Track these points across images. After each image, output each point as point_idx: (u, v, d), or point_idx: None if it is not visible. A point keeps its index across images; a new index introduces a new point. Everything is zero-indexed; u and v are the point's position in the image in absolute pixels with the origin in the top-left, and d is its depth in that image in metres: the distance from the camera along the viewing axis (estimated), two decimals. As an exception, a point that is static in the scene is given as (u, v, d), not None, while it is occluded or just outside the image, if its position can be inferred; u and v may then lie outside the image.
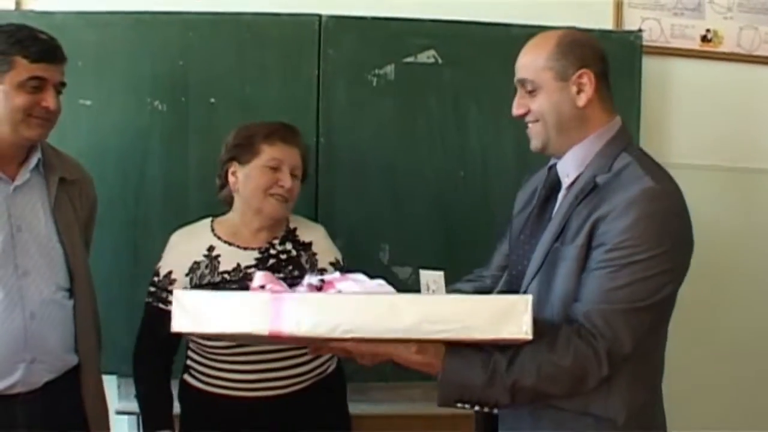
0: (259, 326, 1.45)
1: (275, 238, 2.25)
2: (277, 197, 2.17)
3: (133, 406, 2.73)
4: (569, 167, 1.76)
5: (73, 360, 2.03)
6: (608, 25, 2.93)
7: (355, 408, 2.47)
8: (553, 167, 1.83)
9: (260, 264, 2.19)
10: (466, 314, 1.41)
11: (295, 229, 2.29)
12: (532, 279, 1.73)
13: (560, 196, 1.79)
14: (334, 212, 2.65)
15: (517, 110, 1.78)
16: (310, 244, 2.28)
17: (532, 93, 1.75)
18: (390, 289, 1.61)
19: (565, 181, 1.77)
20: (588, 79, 1.71)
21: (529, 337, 1.41)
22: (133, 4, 2.70)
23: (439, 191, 2.73)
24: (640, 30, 2.88)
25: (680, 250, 1.63)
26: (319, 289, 1.62)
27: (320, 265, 2.26)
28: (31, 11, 2.62)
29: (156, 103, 2.66)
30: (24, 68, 1.88)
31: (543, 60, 1.72)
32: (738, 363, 3.10)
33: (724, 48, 3.03)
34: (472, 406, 1.62)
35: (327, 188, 2.68)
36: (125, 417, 2.81)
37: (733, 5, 3.04)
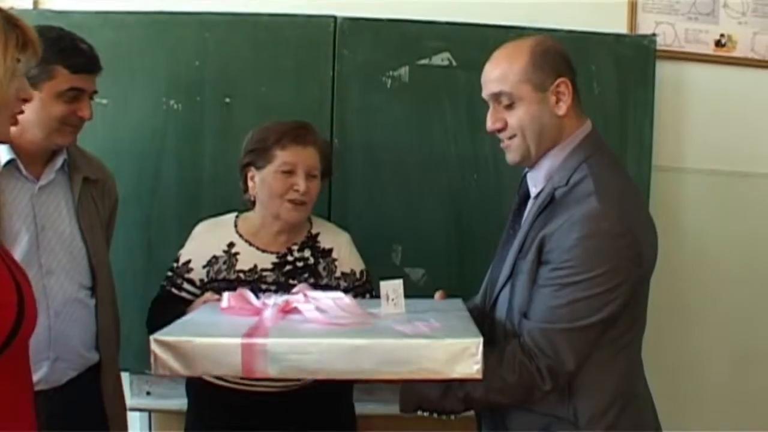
0: (234, 369, 1.50)
1: (294, 243, 2.25)
2: (293, 202, 2.17)
3: (146, 402, 2.78)
4: (537, 178, 1.78)
5: (94, 358, 2.05)
6: (622, 29, 2.93)
7: (363, 408, 2.48)
8: (525, 177, 1.85)
9: (276, 269, 2.21)
10: (422, 357, 1.47)
11: (317, 235, 2.29)
12: (502, 288, 1.78)
13: (528, 206, 1.81)
14: (347, 213, 2.66)
15: (493, 125, 1.77)
16: (330, 250, 2.28)
17: (509, 107, 1.73)
18: (347, 301, 1.69)
19: (533, 191, 1.79)
20: (566, 88, 1.71)
21: (480, 376, 1.47)
22: (149, 4, 2.73)
23: (452, 193, 2.74)
24: (654, 34, 2.88)
25: (621, 269, 1.62)
26: (285, 309, 1.70)
27: (338, 273, 2.26)
28: (49, 10, 2.64)
29: (172, 102, 2.68)
30: (64, 79, 1.88)
31: (519, 72, 1.71)
32: (741, 366, 3.12)
33: (737, 53, 3.03)
34: (431, 414, 1.71)
35: (340, 189, 2.68)
36: (137, 414, 2.84)
37: (748, 10, 3.03)
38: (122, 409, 2.19)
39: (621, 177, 1.77)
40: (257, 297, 1.78)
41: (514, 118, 1.73)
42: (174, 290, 2.24)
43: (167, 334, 1.53)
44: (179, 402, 2.59)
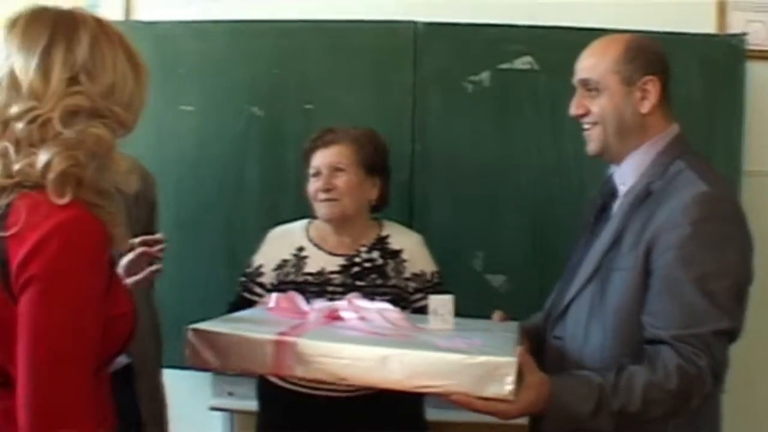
0: (264, 365, 1.51)
1: (363, 245, 2.27)
2: (323, 201, 2.21)
3: (227, 402, 2.83)
4: (626, 175, 1.75)
5: (121, 361, 2.02)
6: (711, 28, 2.84)
7: (438, 414, 2.43)
8: (611, 176, 1.81)
9: (344, 271, 2.23)
10: (453, 373, 1.43)
11: (386, 237, 2.30)
12: (583, 287, 1.71)
13: (616, 204, 1.77)
14: (429, 219, 2.65)
15: (576, 110, 1.77)
16: (400, 251, 2.28)
17: (594, 94, 1.73)
18: (394, 314, 1.68)
19: (621, 189, 1.75)
20: (653, 86, 1.70)
21: (512, 398, 1.41)
22: (231, 13, 2.78)
23: (534, 199, 2.70)
24: (744, 33, 2.77)
25: (744, 255, 1.59)
26: (331, 316, 1.71)
27: (407, 274, 2.26)
28: (139, 21, 2.71)
29: (253, 109, 2.72)
30: None
31: (610, 62, 1.71)
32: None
33: (834, 52, 2.89)
34: None
35: (422, 195, 2.68)
36: (219, 414, 2.89)
37: None
38: (159, 410, 2.18)
39: (718, 174, 1.73)
40: (308, 302, 1.81)
41: (597, 107, 1.73)
42: (247, 294, 2.28)
43: (205, 325, 1.55)
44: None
